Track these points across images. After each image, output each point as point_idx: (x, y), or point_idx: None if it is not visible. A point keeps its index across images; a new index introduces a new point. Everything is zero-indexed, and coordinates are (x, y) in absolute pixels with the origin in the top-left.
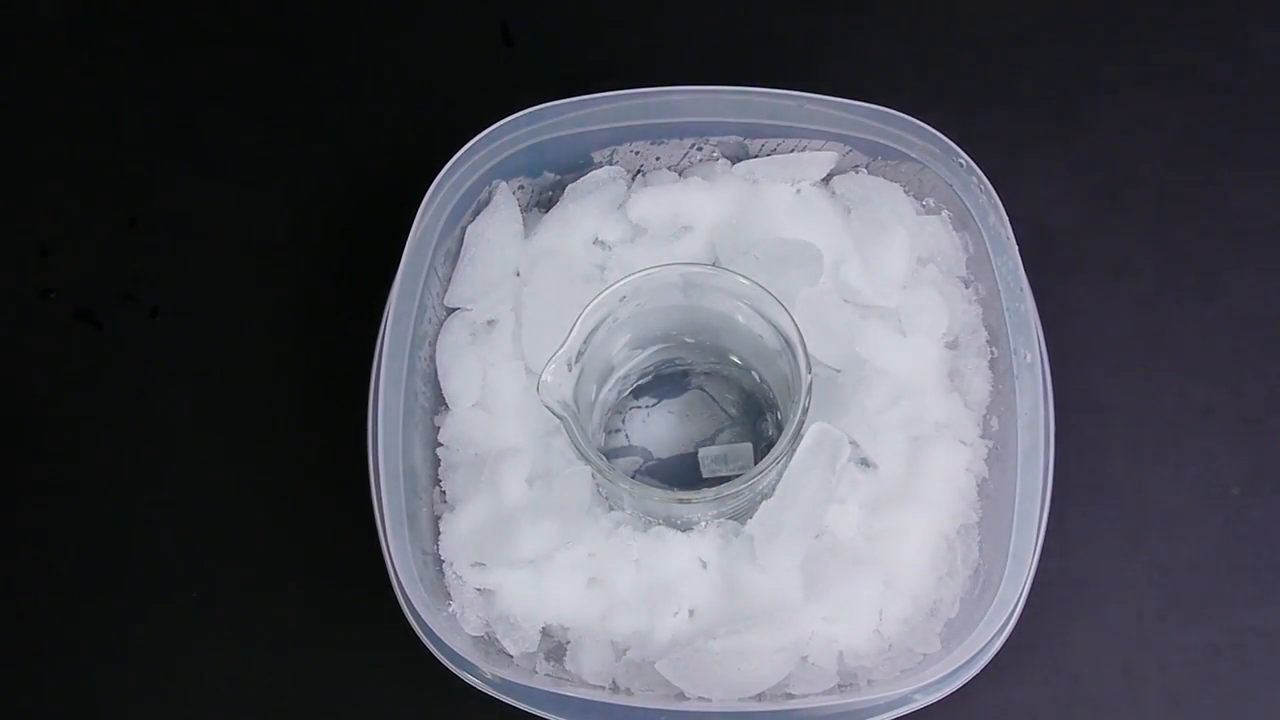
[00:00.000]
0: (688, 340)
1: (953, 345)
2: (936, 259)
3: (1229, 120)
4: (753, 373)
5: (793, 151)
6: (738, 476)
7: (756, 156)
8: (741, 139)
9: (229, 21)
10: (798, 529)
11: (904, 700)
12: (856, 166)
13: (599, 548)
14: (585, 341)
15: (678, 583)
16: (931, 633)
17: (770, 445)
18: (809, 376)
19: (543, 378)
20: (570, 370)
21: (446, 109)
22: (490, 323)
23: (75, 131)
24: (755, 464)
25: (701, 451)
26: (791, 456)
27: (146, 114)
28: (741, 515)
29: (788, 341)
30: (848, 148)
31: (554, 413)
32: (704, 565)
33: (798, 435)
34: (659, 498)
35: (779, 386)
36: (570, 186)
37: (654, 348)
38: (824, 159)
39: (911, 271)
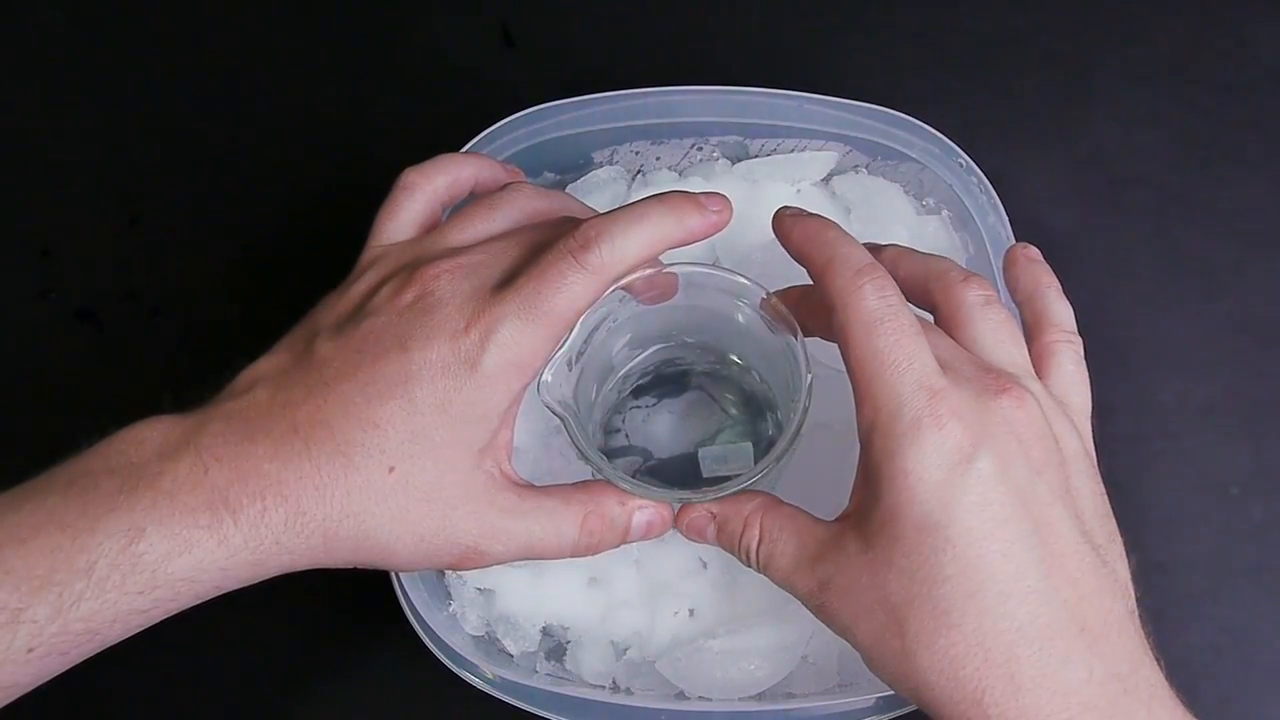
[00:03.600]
0: (688, 340)
1: None
2: None
3: (1229, 120)
4: (753, 373)
5: (793, 151)
6: (738, 476)
7: (756, 156)
8: (741, 139)
9: (228, 23)
10: None
11: (904, 700)
12: (856, 166)
13: None
14: (585, 341)
15: (678, 583)
16: None
17: (770, 445)
18: (809, 376)
19: (543, 378)
20: (570, 370)
21: (446, 109)
22: None
23: (75, 131)
24: (755, 464)
25: (701, 451)
26: (791, 456)
27: (146, 114)
28: None
29: (787, 341)
30: (848, 148)
31: (554, 412)
32: (704, 565)
33: (797, 435)
34: (659, 497)
35: (779, 386)
36: (570, 186)
37: (654, 348)
38: (824, 159)
39: None
